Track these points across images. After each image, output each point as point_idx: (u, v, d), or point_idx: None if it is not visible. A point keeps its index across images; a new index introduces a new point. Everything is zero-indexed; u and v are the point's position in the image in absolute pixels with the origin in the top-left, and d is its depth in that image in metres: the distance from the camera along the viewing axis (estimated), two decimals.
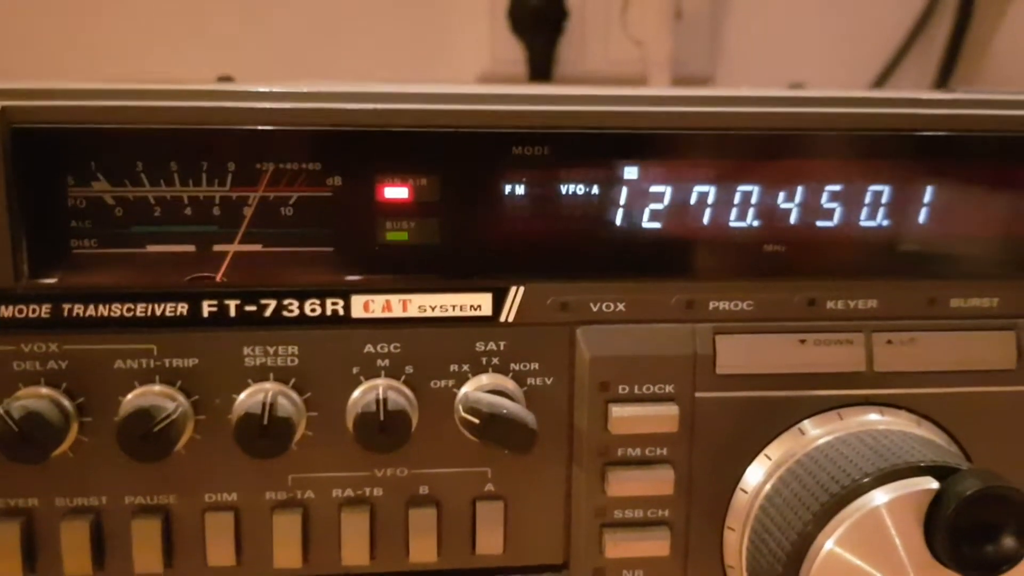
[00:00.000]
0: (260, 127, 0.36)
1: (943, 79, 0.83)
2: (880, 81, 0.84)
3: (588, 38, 0.81)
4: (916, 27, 0.83)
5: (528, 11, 0.79)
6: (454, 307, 0.38)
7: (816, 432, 0.39)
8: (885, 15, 0.83)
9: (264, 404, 0.36)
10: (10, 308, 0.36)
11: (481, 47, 0.80)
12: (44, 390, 0.36)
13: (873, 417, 0.39)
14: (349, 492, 0.39)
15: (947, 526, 0.33)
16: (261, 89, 0.36)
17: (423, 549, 0.39)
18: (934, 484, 0.34)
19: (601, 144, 0.38)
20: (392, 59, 0.80)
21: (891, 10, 0.83)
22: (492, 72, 0.80)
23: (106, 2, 0.75)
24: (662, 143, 0.38)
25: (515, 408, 0.36)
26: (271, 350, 0.37)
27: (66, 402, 0.36)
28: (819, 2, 0.83)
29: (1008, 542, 0.34)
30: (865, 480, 0.35)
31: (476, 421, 0.36)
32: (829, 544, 0.34)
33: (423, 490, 0.39)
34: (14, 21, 0.74)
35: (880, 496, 0.34)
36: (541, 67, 0.80)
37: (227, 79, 0.70)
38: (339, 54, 0.79)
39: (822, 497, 0.35)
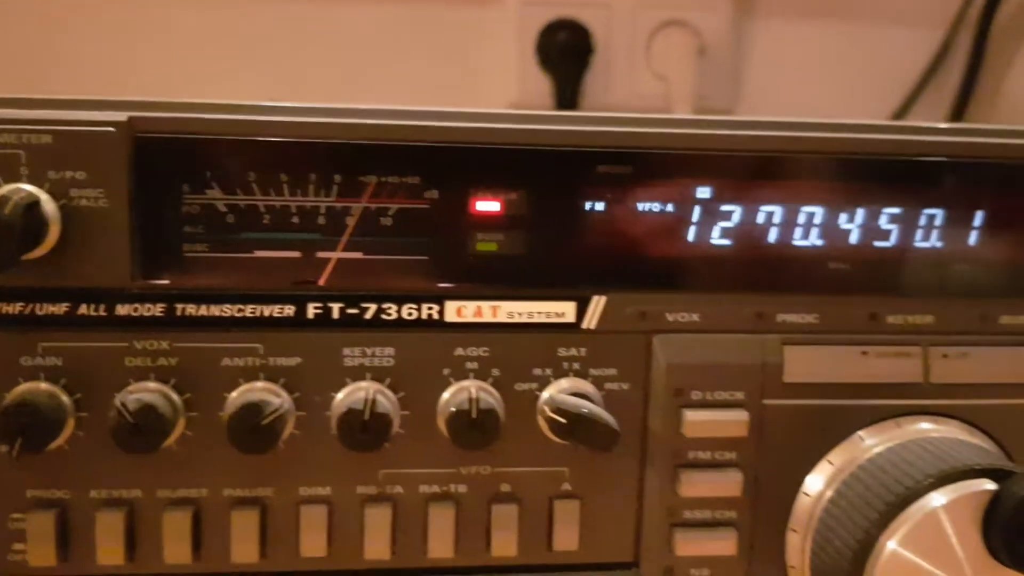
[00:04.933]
0: (366, 142, 0.38)
1: (956, 118, 0.86)
2: (896, 118, 0.87)
3: (613, 72, 0.83)
4: (931, 67, 0.86)
5: (555, 46, 0.81)
6: (540, 314, 0.40)
7: (876, 439, 0.41)
8: (901, 55, 0.86)
9: (367, 400, 0.38)
10: (125, 307, 0.38)
11: (509, 80, 0.82)
12: (153, 385, 0.39)
13: (929, 426, 0.41)
14: (436, 488, 0.41)
15: (1005, 526, 0.36)
16: (368, 107, 0.39)
17: (504, 544, 0.41)
18: (992, 486, 0.36)
19: (678, 164, 0.40)
20: (422, 90, 0.82)
21: (907, 50, 0.86)
22: (520, 105, 0.82)
23: (149, 29, 0.77)
24: (734, 165, 0.41)
25: (598, 410, 0.39)
26: (369, 351, 0.40)
27: (175, 397, 0.39)
28: (837, 42, 0.86)
29: None
30: (926, 482, 0.37)
31: (563, 421, 0.38)
32: (892, 544, 0.36)
33: (505, 488, 0.41)
34: (60, 48, 0.76)
35: (939, 498, 0.37)
36: (567, 100, 0.82)
37: None
38: (370, 86, 0.81)
39: (887, 497, 0.37)
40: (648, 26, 0.82)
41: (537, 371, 0.41)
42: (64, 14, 0.76)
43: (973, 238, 0.42)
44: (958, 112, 0.86)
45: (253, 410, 0.37)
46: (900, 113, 0.87)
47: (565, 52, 0.82)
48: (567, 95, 0.82)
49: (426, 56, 0.81)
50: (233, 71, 0.79)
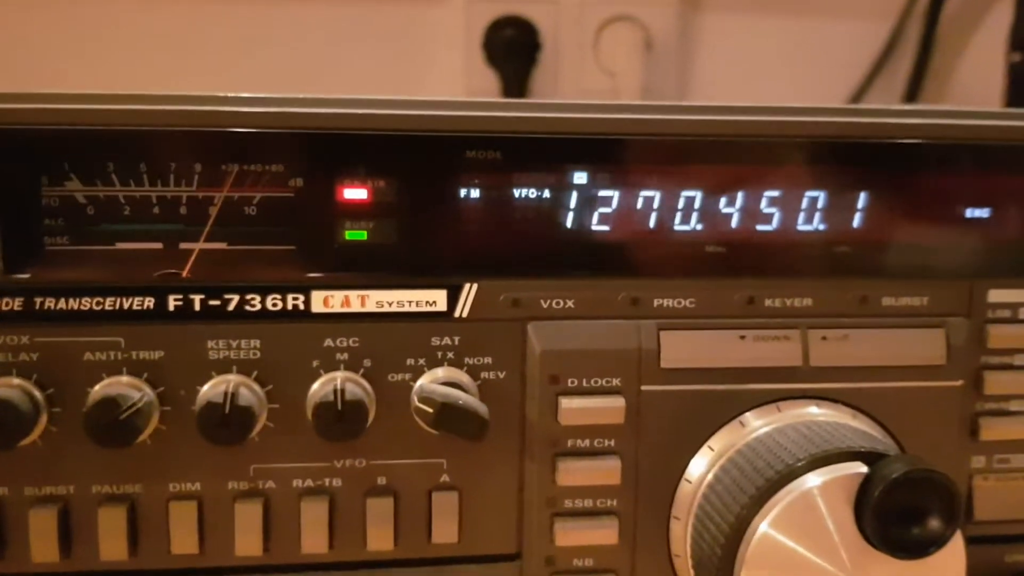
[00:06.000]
0: (225, 129, 0.38)
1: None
2: None
3: (561, 68, 0.83)
4: (880, 58, 0.86)
5: (502, 42, 0.81)
6: (410, 303, 0.40)
7: (756, 424, 0.40)
8: (851, 46, 0.86)
9: (226, 393, 0.37)
10: None
11: (456, 77, 0.82)
12: (15, 380, 0.38)
13: (810, 410, 0.41)
14: (309, 482, 0.40)
15: (875, 508, 0.35)
16: (226, 94, 0.38)
17: (380, 538, 0.40)
18: (863, 468, 0.36)
19: (551, 149, 0.40)
20: (367, 88, 0.81)
21: (856, 41, 0.86)
22: None
23: (95, 30, 0.77)
24: (609, 149, 0.40)
25: (467, 398, 0.38)
26: (234, 343, 0.39)
27: (36, 392, 0.38)
28: (785, 34, 0.86)
29: (934, 524, 0.35)
30: (798, 464, 0.36)
31: (430, 411, 0.38)
32: (764, 526, 0.36)
33: (381, 481, 0.41)
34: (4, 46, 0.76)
35: (812, 479, 0.36)
36: (515, 97, 0.82)
37: None
38: (315, 85, 0.80)
39: (758, 481, 0.37)
40: (595, 21, 0.82)
41: (410, 361, 0.40)
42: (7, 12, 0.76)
43: (855, 220, 0.41)
44: (909, 101, 0.86)
45: (110, 405, 0.37)
46: (852, 103, 0.87)
47: (512, 49, 0.82)
48: (515, 92, 0.82)
49: (372, 54, 0.81)
50: (178, 70, 0.78)
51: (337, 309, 0.39)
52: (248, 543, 0.40)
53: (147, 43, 0.78)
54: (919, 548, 0.35)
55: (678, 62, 0.84)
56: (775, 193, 0.41)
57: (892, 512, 0.35)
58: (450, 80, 0.82)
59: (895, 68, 0.86)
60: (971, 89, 0.86)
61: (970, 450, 0.43)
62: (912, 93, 0.85)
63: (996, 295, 0.43)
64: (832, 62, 0.86)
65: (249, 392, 0.38)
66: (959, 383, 0.42)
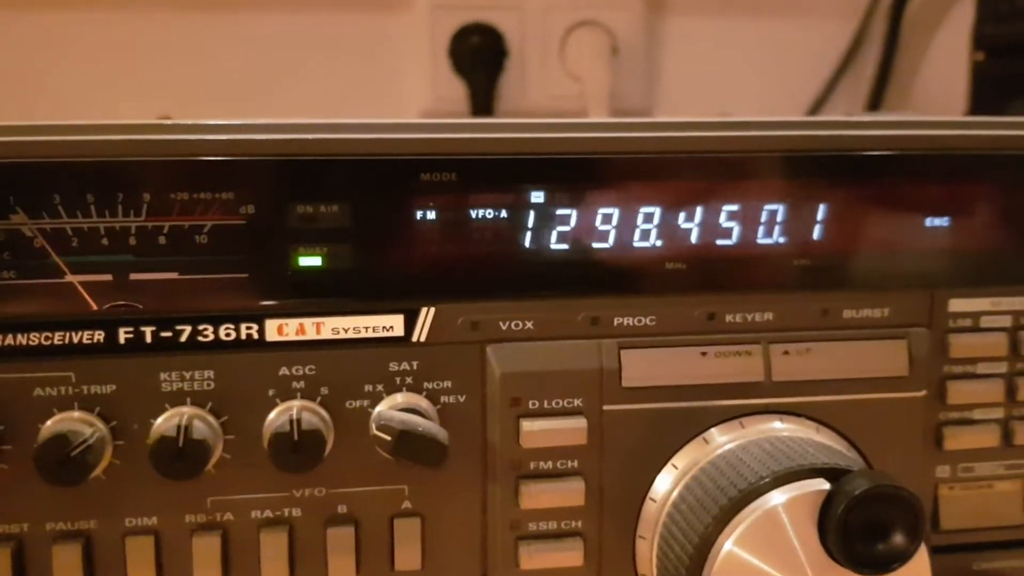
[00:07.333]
0: (173, 158, 0.37)
1: (873, 106, 0.86)
2: (813, 109, 0.87)
3: (528, 75, 0.82)
4: (846, 57, 0.87)
5: (468, 50, 0.81)
6: (367, 329, 0.39)
7: (720, 440, 0.40)
8: (816, 47, 0.86)
9: (179, 427, 0.37)
10: None
11: (423, 86, 0.82)
12: None
13: (774, 425, 0.41)
14: (268, 513, 0.40)
15: (838, 525, 0.35)
16: (173, 122, 0.37)
17: (342, 567, 0.40)
18: (826, 485, 0.36)
19: (506, 169, 0.39)
20: (333, 99, 0.81)
21: (822, 42, 0.86)
22: (434, 110, 0.82)
23: (44, 48, 0.76)
24: (565, 167, 0.40)
25: (426, 424, 0.38)
26: (187, 375, 0.38)
27: None
28: (753, 36, 0.86)
29: (898, 540, 0.35)
30: (763, 482, 0.36)
31: (388, 438, 0.37)
32: (728, 545, 0.36)
33: (341, 509, 0.40)
34: None
35: (776, 497, 0.36)
36: (483, 104, 0.81)
37: (166, 119, 0.71)
38: (280, 97, 0.80)
39: (721, 500, 0.36)
40: (560, 27, 0.82)
41: (368, 387, 0.39)
42: None
43: (815, 232, 0.41)
44: (875, 101, 0.86)
45: (61, 441, 0.36)
46: (817, 104, 0.87)
47: (478, 56, 0.81)
48: (482, 100, 0.82)
49: (338, 65, 0.81)
50: (133, 83, 0.77)
51: (292, 337, 0.39)
52: None
53: (100, 54, 0.77)
54: (883, 564, 0.35)
55: (645, 65, 0.84)
56: (734, 207, 0.41)
57: (856, 528, 0.35)
58: (417, 89, 0.82)
59: (861, 67, 0.87)
60: (935, 87, 0.86)
61: (935, 460, 0.43)
62: (877, 92, 0.86)
63: (957, 304, 0.42)
64: (798, 62, 0.86)
65: (203, 424, 0.38)
66: (922, 394, 0.42)
